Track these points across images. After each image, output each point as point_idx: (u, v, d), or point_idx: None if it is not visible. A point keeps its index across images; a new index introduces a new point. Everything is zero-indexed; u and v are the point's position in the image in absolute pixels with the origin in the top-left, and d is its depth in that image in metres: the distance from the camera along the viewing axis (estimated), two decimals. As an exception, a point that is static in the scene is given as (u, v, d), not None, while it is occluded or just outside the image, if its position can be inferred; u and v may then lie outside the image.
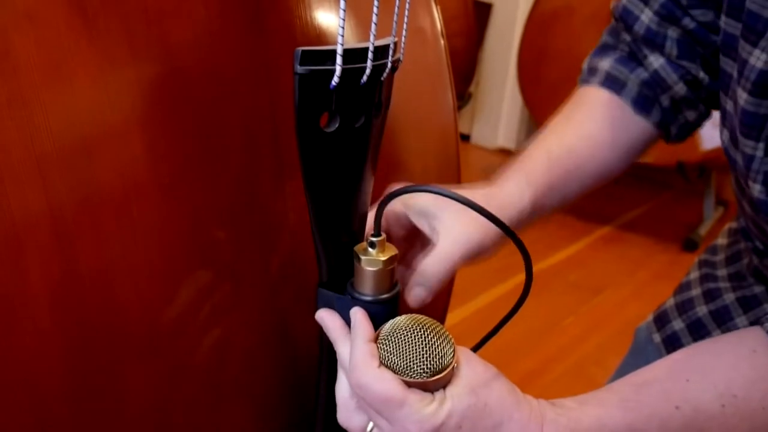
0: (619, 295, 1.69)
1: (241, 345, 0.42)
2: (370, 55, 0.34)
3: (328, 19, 0.43)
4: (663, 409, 0.36)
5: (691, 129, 0.54)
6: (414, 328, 0.34)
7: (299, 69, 0.32)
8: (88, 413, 0.36)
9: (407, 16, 0.37)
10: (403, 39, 0.37)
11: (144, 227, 0.36)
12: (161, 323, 0.37)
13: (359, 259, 0.37)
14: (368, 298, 0.37)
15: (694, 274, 0.60)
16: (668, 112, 0.52)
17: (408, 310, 0.39)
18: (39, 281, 0.33)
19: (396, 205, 0.42)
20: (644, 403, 0.36)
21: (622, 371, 0.63)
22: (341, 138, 0.35)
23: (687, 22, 0.48)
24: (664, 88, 0.51)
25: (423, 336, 0.34)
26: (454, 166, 0.55)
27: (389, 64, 0.35)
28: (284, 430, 0.46)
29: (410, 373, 0.34)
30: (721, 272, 0.57)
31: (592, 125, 0.52)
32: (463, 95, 2.27)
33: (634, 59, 0.53)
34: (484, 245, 0.42)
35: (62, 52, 0.32)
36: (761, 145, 0.41)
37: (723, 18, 0.43)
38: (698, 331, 0.56)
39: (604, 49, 0.55)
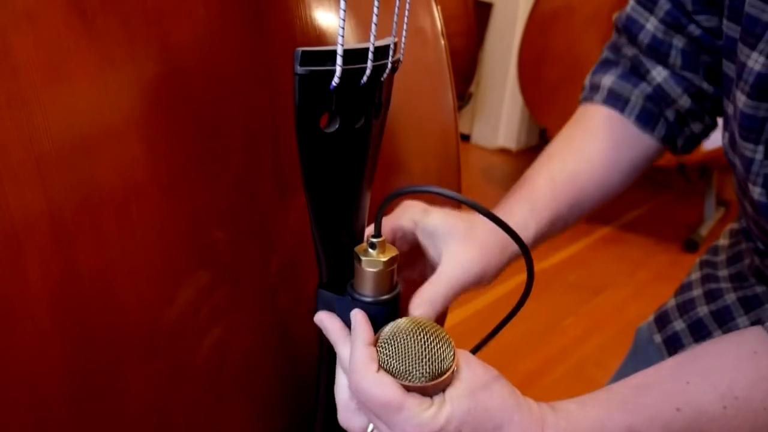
0: (620, 296, 1.69)
1: (241, 345, 0.42)
2: (370, 55, 0.34)
3: (328, 19, 0.43)
4: (664, 410, 0.36)
5: (697, 140, 0.54)
6: (414, 331, 0.34)
7: (299, 69, 0.32)
8: (88, 413, 0.36)
9: (407, 16, 0.37)
10: (403, 39, 0.37)
11: (143, 227, 0.36)
12: (161, 323, 0.37)
13: (360, 260, 0.37)
14: (368, 299, 0.37)
15: (696, 275, 0.60)
16: (674, 126, 0.52)
17: (407, 312, 0.39)
18: (38, 281, 0.33)
19: (406, 221, 0.42)
20: (645, 405, 0.36)
21: (623, 372, 0.63)
22: (341, 138, 0.35)
23: (692, 29, 0.48)
24: (669, 102, 0.51)
25: (423, 339, 0.34)
26: (454, 166, 0.55)
27: (389, 65, 0.35)
28: (284, 430, 0.46)
29: (409, 377, 0.34)
30: (723, 273, 0.57)
31: (594, 148, 0.51)
32: (463, 95, 2.27)
33: (636, 74, 0.52)
34: (484, 276, 0.42)
35: (61, 52, 0.32)
36: (761, 148, 0.41)
37: (725, 22, 0.43)
38: (699, 332, 0.56)
39: (605, 65, 0.55)
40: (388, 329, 0.35)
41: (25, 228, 0.32)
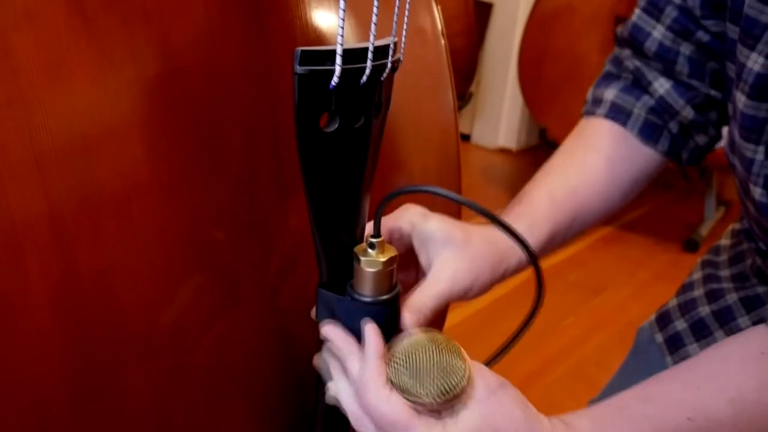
0: (620, 296, 1.69)
1: (241, 345, 0.42)
2: (369, 55, 0.34)
3: (328, 19, 0.43)
4: (676, 421, 0.35)
5: (702, 153, 0.53)
6: (427, 347, 0.34)
7: (299, 69, 0.32)
8: (88, 413, 0.36)
9: (407, 16, 0.37)
10: (403, 39, 0.37)
11: (144, 227, 0.36)
12: (161, 323, 0.37)
13: (359, 260, 0.37)
14: (368, 299, 0.37)
15: (697, 275, 0.60)
16: (678, 139, 0.52)
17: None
18: (39, 281, 0.33)
19: (404, 223, 0.41)
20: (657, 419, 0.36)
21: (624, 371, 0.63)
22: (341, 138, 0.35)
23: (701, 35, 0.48)
24: (672, 113, 0.51)
25: (436, 357, 0.34)
26: (454, 166, 0.55)
27: (389, 64, 0.35)
28: (284, 430, 0.46)
29: (420, 396, 0.33)
30: (724, 273, 0.57)
31: (595, 162, 0.51)
32: (463, 95, 2.26)
33: (639, 86, 0.52)
34: (470, 289, 0.41)
35: (62, 52, 0.32)
36: (761, 149, 0.41)
37: (727, 24, 0.43)
38: (701, 331, 0.56)
39: (607, 78, 0.55)
40: (401, 344, 0.35)
41: (26, 228, 0.32)
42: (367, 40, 0.34)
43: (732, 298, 0.54)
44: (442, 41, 0.53)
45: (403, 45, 0.37)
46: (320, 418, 0.43)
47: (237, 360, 0.42)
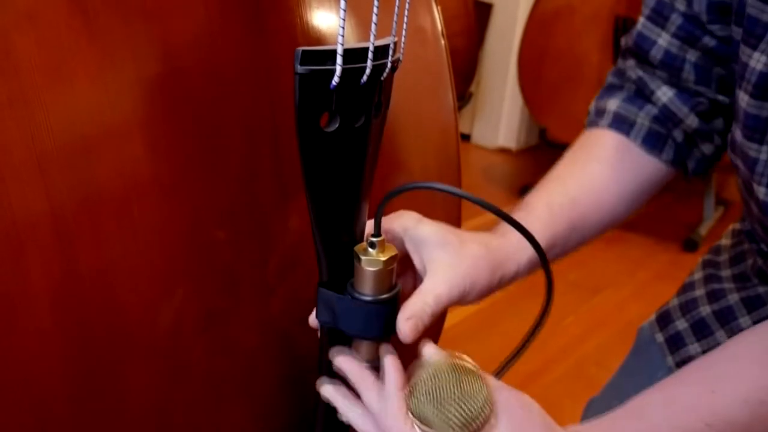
0: (620, 295, 1.69)
1: (241, 345, 0.42)
2: (370, 55, 0.34)
3: (328, 19, 0.43)
4: (695, 428, 0.35)
5: (709, 163, 0.52)
6: (448, 378, 0.34)
7: (299, 69, 0.32)
8: (89, 413, 0.36)
9: (407, 16, 0.37)
10: (403, 39, 0.37)
11: (144, 227, 0.36)
12: (161, 323, 0.37)
13: (359, 260, 0.37)
14: (368, 298, 0.37)
15: (698, 275, 0.60)
16: (683, 148, 0.51)
17: None
18: (40, 281, 0.33)
19: (396, 227, 0.41)
20: (675, 427, 0.36)
21: (624, 371, 0.63)
22: (341, 138, 0.35)
23: (707, 40, 0.48)
24: (676, 122, 0.50)
25: (457, 386, 0.33)
26: (454, 166, 0.55)
27: (389, 64, 0.35)
28: (284, 430, 0.46)
29: (444, 428, 0.33)
30: (725, 273, 0.57)
31: (596, 172, 0.50)
32: (463, 95, 2.26)
33: (642, 96, 0.52)
34: (468, 293, 0.41)
35: (63, 52, 0.32)
36: (765, 148, 0.41)
37: (732, 27, 0.44)
38: (702, 331, 0.56)
39: (609, 90, 0.54)
40: (421, 376, 0.34)
41: (27, 227, 0.32)
42: (367, 40, 0.34)
43: (733, 298, 0.54)
44: (442, 41, 0.53)
45: (403, 45, 0.37)
46: (320, 418, 0.43)
47: (237, 360, 0.42)
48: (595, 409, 0.62)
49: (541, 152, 2.43)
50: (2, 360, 0.32)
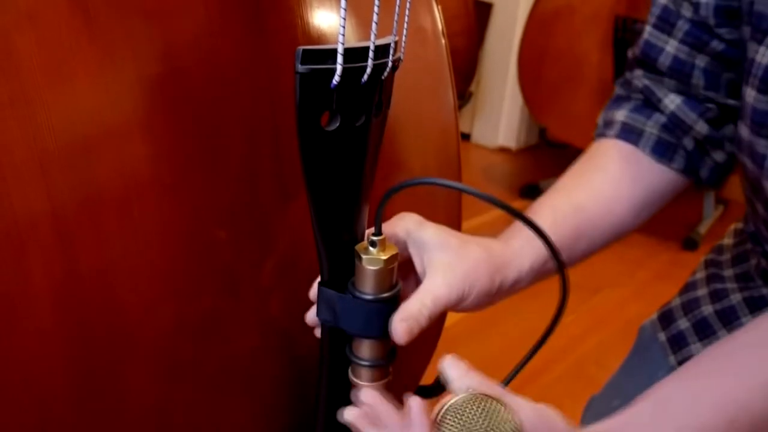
0: (619, 294, 1.69)
1: (241, 345, 0.42)
2: (370, 54, 0.34)
3: (329, 19, 0.43)
4: (720, 426, 0.35)
5: (723, 171, 0.52)
6: (475, 412, 0.33)
7: (300, 68, 0.32)
8: (90, 413, 0.36)
9: (408, 16, 0.37)
10: (403, 38, 0.37)
11: (145, 227, 0.36)
12: (161, 323, 0.37)
13: (360, 258, 0.37)
14: (369, 297, 0.37)
15: (700, 274, 0.60)
16: (694, 156, 0.51)
17: None
18: (41, 281, 0.33)
19: (399, 230, 0.41)
20: (701, 426, 0.36)
21: (626, 370, 0.63)
22: (342, 137, 0.35)
23: (715, 44, 0.48)
24: (685, 129, 0.50)
25: (486, 419, 0.33)
26: (454, 165, 0.55)
27: (390, 64, 0.36)
28: (284, 429, 0.46)
29: None
30: (728, 272, 0.57)
31: (603, 181, 0.50)
32: (463, 94, 2.26)
33: (649, 105, 0.51)
34: (467, 296, 0.40)
35: (63, 51, 0.32)
36: None
37: (743, 28, 0.43)
38: (704, 331, 0.56)
39: (617, 101, 0.54)
40: (449, 417, 0.33)
41: (28, 227, 0.32)
42: (368, 40, 0.34)
43: (736, 298, 0.54)
44: (443, 41, 0.53)
45: (403, 44, 0.37)
46: (321, 417, 0.43)
47: (237, 360, 0.42)
48: (595, 407, 0.62)
49: (541, 152, 2.43)
50: (3, 360, 0.32)
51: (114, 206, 0.34)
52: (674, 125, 0.50)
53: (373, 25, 0.33)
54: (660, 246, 1.92)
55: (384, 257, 0.37)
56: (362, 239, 0.39)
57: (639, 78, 0.52)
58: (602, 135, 0.53)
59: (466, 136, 2.55)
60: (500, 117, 2.49)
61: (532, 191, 2.02)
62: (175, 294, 0.38)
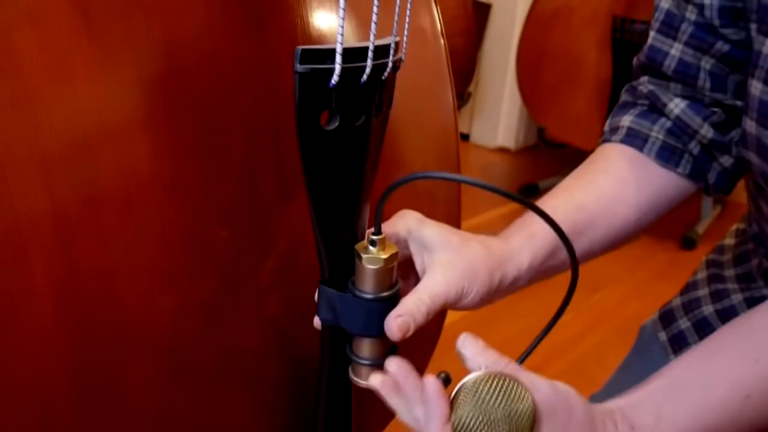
0: (618, 293, 1.69)
1: (242, 344, 0.42)
2: (370, 54, 0.34)
3: (329, 19, 0.43)
4: (735, 402, 0.36)
5: (732, 177, 0.51)
6: (494, 401, 0.33)
7: (299, 68, 0.32)
8: (91, 412, 0.36)
9: (408, 16, 0.37)
10: (404, 38, 0.37)
11: (146, 226, 0.36)
12: (163, 322, 0.37)
13: (360, 258, 0.37)
14: (369, 296, 0.37)
15: (701, 274, 0.60)
16: (701, 160, 0.50)
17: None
18: (42, 281, 0.33)
19: (400, 228, 0.41)
20: (717, 402, 0.36)
21: (626, 368, 0.63)
22: (342, 136, 0.35)
23: (720, 45, 0.47)
24: (690, 133, 0.50)
25: (503, 409, 0.33)
26: (454, 165, 0.55)
27: (390, 64, 0.36)
28: (285, 429, 0.46)
29: None
30: (729, 273, 0.57)
31: (605, 183, 0.50)
32: (462, 95, 2.27)
33: (655, 110, 0.51)
34: (466, 294, 0.40)
35: (64, 51, 0.32)
36: None
37: (750, 25, 0.43)
38: (704, 330, 0.56)
39: (623, 107, 0.54)
40: (466, 417, 0.33)
41: (30, 227, 0.32)
42: (368, 40, 0.34)
43: (737, 298, 0.54)
44: (442, 41, 0.53)
45: (404, 45, 0.37)
46: (321, 417, 0.43)
47: (238, 359, 0.42)
48: (595, 405, 0.62)
49: (540, 152, 2.43)
50: (4, 360, 0.32)
51: (115, 206, 0.35)
52: (679, 130, 0.50)
53: (373, 25, 0.33)
54: (658, 245, 1.92)
55: (384, 256, 0.37)
56: (362, 238, 0.39)
57: (644, 84, 0.52)
58: (607, 140, 0.53)
59: (464, 137, 2.55)
60: (499, 117, 2.49)
61: (531, 191, 2.02)
62: (175, 293, 0.38)
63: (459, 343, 0.36)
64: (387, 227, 0.42)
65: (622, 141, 0.51)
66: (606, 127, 0.54)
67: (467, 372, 0.35)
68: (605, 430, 0.35)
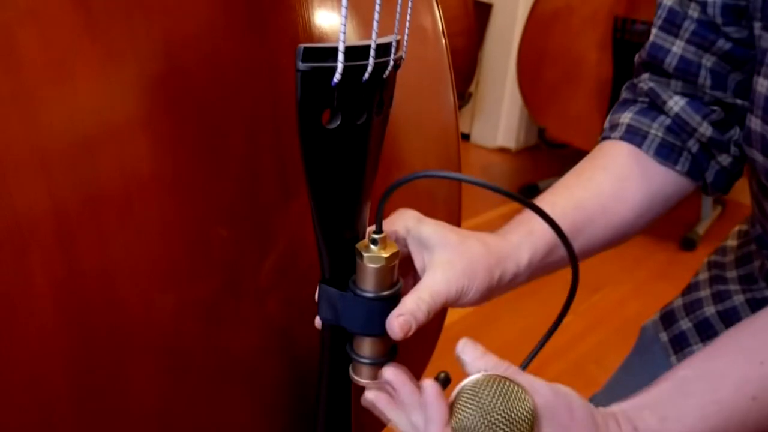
0: (618, 293, 1.69)
1: (243, 344, 0.42)
2: (371, 52, 0.34)
3: (330, 18, 0.43)
4: (741, 405, 0.36)
5: (730, 176, 0.51)
6: (493, 407, 0.33)
7: (301, 66, 0.32)
8: (91, 412, 0.36)
9: (409, 15, 0.37)
10: (405, 37, 0.37)
11: (146, 225, 0.36)
12: (163, 322, 0.37)
13: (361, 256, 0.37)
14: (370, 295, 0.37)
15: (703, 275, 0.60)
16: (699, 158, 0.50)
17: None
18: (42, 280, 0.33)
19: (399, 228, 0.41)
20: (723, 404, 0.36)
21: (627, 369, 0.63)
22: (343, 135, 0.35)
23: (722, 44, 0.48)
24: (689, 131, 0.50)
25: (503, 413, 0.33)
26: (454, 165, 0.55)
27: (391, 62, 0.36)
28: (285, 429, 0.46)
29: None
30: (731, 274, 0.57)
31: (605, 179, 0.50)
32: (463, 95, 2.27)
33: (654, 108, 0.51)
34: (466, 292, 0.40)
35: (65, 49, 0.32)
36: None
37: (754, 23, 0.43)
38: (706, 331, 0.56)
39: (623, 104, 0.54)
40: (465, 419, 0.33)
41: (30, 226, 0.32)
42: (369, 39, 0.34)
43: (739, 299, 0.54)
44: (443, 40, 0.53)
45: (405, 43, 0.37)
46: (321, 417, 0.43)
47: (238, 358, 0.42)
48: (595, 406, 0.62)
49: (540, 152, 2.43)
50: (5, 359, 0.32)
51: (115, 205, 0.34)
52: (678, 127, 0.50)
53: (375, 23, 0.33)
54: (658, 245, 1.92)
55: (385, 255, 0.37)
56: (363, 237, 0.39)
57: (645, 81, 0.52)
58: (607, 137, 0.53)
59: (465, 137, 2.55)
60: (499, 117, 2.49)
61: (531, 191, 2.02)
62: (175, 293, 0.38)
63: (458, 348, 0.36)
64: (386, 226, 0.42)
65: (622, 138, 0.51)
66: (606, 124, 0.55)
67: (467, 375, 0.35)
68: (608, 430, 0.35)
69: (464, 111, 2.45)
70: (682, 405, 0.37)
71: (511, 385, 0.34)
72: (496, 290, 0.43)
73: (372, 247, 0.37)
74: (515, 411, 0.33)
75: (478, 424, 0.33)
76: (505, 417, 0.33)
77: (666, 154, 0.50)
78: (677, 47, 0.49)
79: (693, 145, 0.50)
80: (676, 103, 0.50)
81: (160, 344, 0.37)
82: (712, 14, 0.47)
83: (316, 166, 0.35)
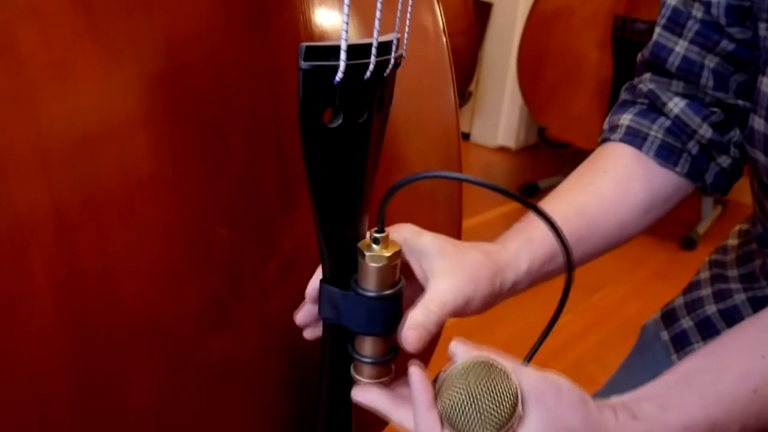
0: (618, 293, 1.69)
1: (243, 344, 0.42)
2: (373, 50, 0.34)
3: (331, 16, 0.43)
4: (742, 396, 0.36)
5: (729, 177, 0.51)
6: (475, 395, 0.33)
7: (303, 64, 0.32)
8: (91, 412, 0.36)
9: (410, 13, 0.37)
10: (405, 36, 0.37)
11: (147, 225, 0.36)
12: (164, 321, 0.37)
13: (363, 256, 0.37)
14: (372, 294, 0.37)
15: (704, 274, 0.60)
16: (699, 160, 0.50)
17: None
18: (43, 279, 0.33)
19: (396, 238, 0.40)
20: (724, 395, 0.36)
21: (627, 368, 0.63)
22: (344, 134, 0.35)
23: (725, 44, 0.47)
24: (689, 133, 0.50)
25: (487, 396, 0.33)
26: (455, 164, 0.55)
27: (392, 60, 0.36)
28: (285, 429, 0.46)
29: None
30: (732, 273, 0.57)
31: (605, 183, 0.50)
32: (463, 94, 2.27)
33: (654, 109, 0.51)
34: (471, 301, 0.40)
35: (66, 47, 0.32)
36: None
37: (758, 24, 0.43)
38: (707, 330, 0.56)
39: (623, 105, 0.54)
40: (450, 398, 0.34)
41: (30, 225, 0.32)
42: (369, 38, 0.34)
43: (740, 297, 0.54)
44: (444, 39, 0.53)
45: (405, 42, 0.37)
46: (322, 417, 0.43)
47: (239, 358, 0.42)
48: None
49: (541, 151, 2.43)
50: (5, 359, 0.32)
51: (115, 205, 0.34)
52: (678, 129, 0.50)
53: (376, 22, 0.33)
54: (659, 245, 1.92)
55: (387, 254, 0.37)
56: (364, 236, 0.39)
57: (645, 82, 0.52)
58: (607, 139, 0.53)
59: (465, 136, 2.55)
60: (499, 116, 2.49)
61: (532, 190, 2.02)
62: (176, 292, 0.38)
63: (451, 346, 0.37)
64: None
65: (622, 140, 0.51)
66: (605, 125, 0.55)
67: None
68: (602, 415, 0.35)
69: (464, 110, 2.45)
70: (682, 394, 0.37)
71: (496, 368, 0.34)
72: (498, 297, 0.43)
73: (374, 246, 0.37)
74: (499, 388, 0.33)
75: (464, 400, 0.34)
76: (489, 394, 0.33)
77: (666, 155, 0.50)
78: (680, 47, 0.49)
79: (693, 147, 0.50)
80: (676, 105, 0.50)
81: (161, 344, 0.37)
82: (716, 15, 0.47)
83: (318, 165, 0.35)
